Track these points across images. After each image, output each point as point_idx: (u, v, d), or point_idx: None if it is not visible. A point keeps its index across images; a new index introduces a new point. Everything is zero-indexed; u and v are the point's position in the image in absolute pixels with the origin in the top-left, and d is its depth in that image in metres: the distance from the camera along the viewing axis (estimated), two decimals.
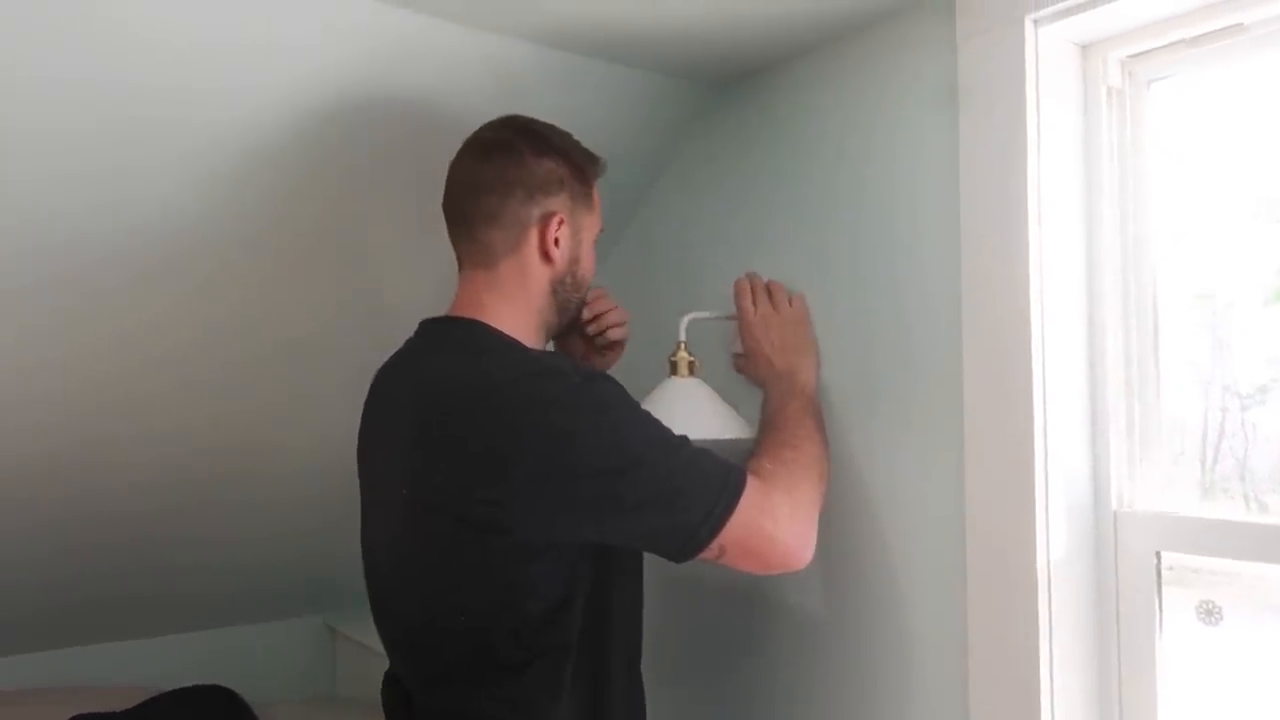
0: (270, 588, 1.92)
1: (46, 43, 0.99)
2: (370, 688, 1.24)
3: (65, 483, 1.47)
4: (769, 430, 1.14)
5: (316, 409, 1.54)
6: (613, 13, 1.15)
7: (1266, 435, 1.03)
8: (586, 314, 1.22)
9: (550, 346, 1.21)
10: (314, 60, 1.13)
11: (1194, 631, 1.05)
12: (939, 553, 1.13)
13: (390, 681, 1.12)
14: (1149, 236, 1.08)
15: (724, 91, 1.42)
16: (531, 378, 0.98)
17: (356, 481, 1.14)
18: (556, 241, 1.09)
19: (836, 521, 1.20)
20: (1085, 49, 1.09)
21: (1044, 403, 1.04)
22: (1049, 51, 1.06)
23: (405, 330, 1.12)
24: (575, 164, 1.11)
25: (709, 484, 0.97)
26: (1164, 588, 1.05)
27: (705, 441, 1.02)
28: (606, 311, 1.23)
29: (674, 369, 1.24)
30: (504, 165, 1.07)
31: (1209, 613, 1.05)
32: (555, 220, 1.08)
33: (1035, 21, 1.04)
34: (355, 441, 1.14)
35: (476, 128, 1.12)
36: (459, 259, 1.12)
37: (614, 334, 1.25)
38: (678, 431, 1.00)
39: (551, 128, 1.12)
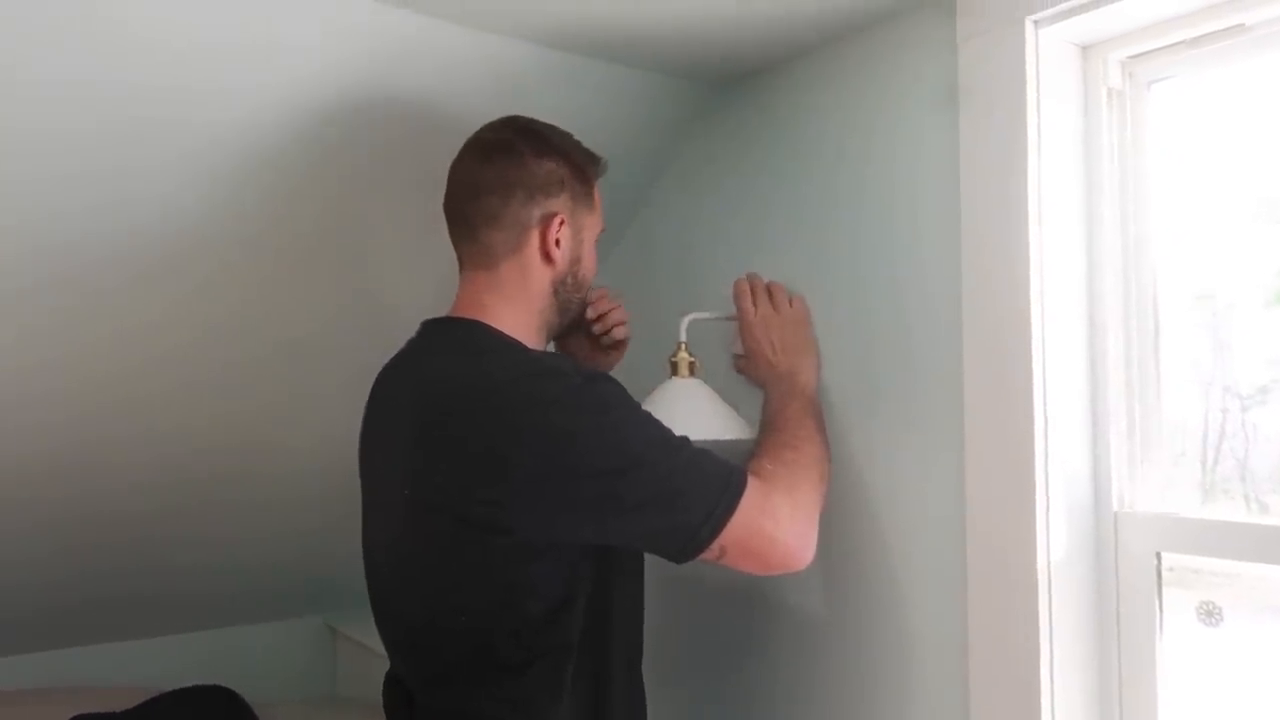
0: (270, 588, 1.92)
1: (46, 43, 0.99)
2: (371, 688, 1.24)
3: (65, 483, 1.47)
4: (769, 431, 1.14)
5: (316, 409, 1.54)
6: (613, 13, 1.15)
7: (1267, 436, 1.03)
8: (591, 313, 1.22)
9: (551, 347, 1.21)
10: (314, 60, 1.13)
11: (1194, 632, 1.05)
12: (939, 553, 1.13)
13: (391, 682, 1.12)
14: (1149, 237, 1.08)
15: (724, 92, 1.42)
16: (532, 378, 0.98)
17: (357, 481, 1.14)
18: (558, 242, 1.09)
19: (837, 522, 1.20)
20: (1086, 50, 1.09)
21: (1044, 403, 1.04)
22: (1049, 52, 1.06)
23: (405, 330, 1.12)
24: (576, 164, 1.11)
25: (710, 484, 0.97)
26: (1164, 588, 1.05)
27: (706, 442, 1.02)
28: (610, 310, 1.23)
29: (674, 369, 1.24)
30: (505, 166, 1.07)
31: (1209, 613, 1.05)
32: (556, 221, 1.08)
33: (1036, 22, 1.04)
34: (355, 441, 1.14)
35: (477, 128, 1.12)
36: (460, 260, 1.12)
37: (618, 333, 1.25)
38: (678, 432, 1.00)
39: (552, 128, 1.12)
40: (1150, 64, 1.07)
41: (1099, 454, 1.09)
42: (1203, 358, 1.08)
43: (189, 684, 1.64)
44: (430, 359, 1.07)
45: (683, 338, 1.26)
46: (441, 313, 1.11)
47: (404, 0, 1.09)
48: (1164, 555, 1.05)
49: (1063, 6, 1.01)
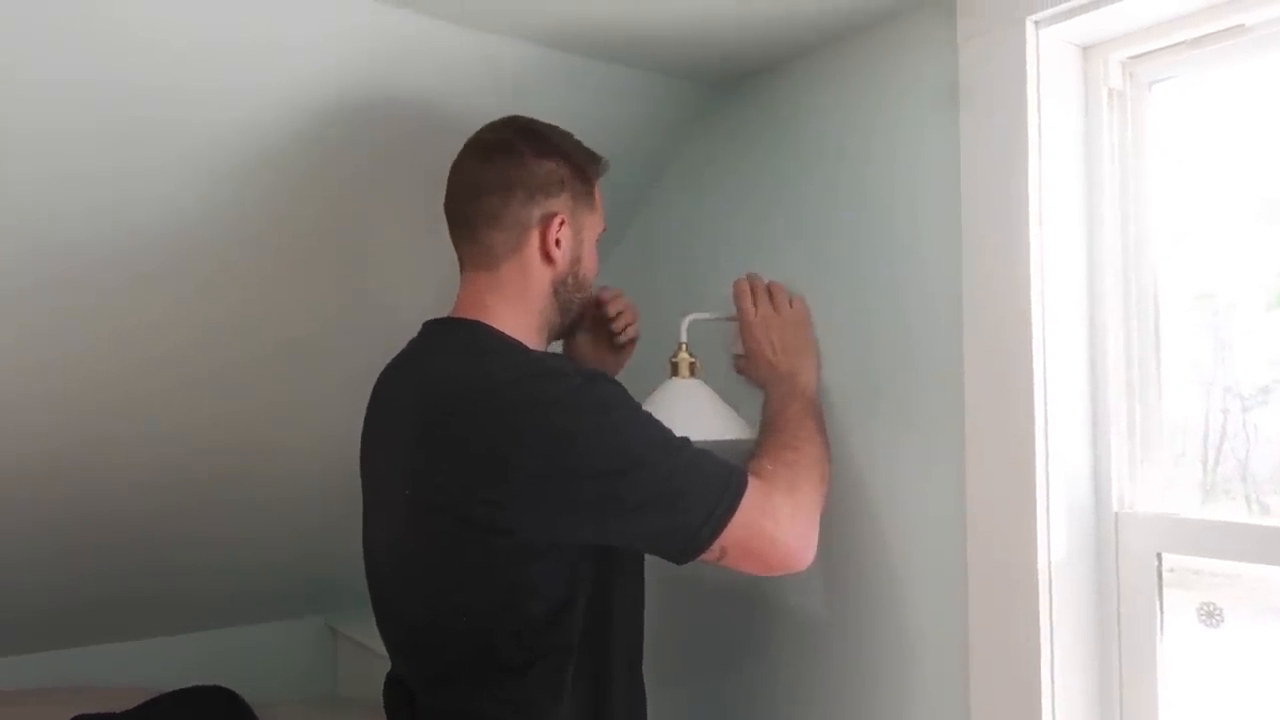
0: (271, 588, 1.92)
1: (46, 43, 0.99)
2: (371, 688, 1.24)
3: (66, 483, 1.47)
4: (770, 432, 1.14)
5: (317, 409, 1.54)
6: (613, 13, 1.15)
7: (1268, 436, 1.03)
8: (610, 310, 1.24)
9: (558, 348, 1.21)
10: (314, 60, 1.13)
11: (1195, 633, 1.05)
12: (939, 553, 1.13)
13: (392, 683, 1.12)
14: (1150, 237, 1.08)
15: (725, 92, 1.42)
16: (533, 379, 0.98)
17: (357, 482, 1.14)
18: (558, 242, 1.09)
19: (837, 522, 1.20)
20: (1086, 50, 1.09)
21: (1045, 403, 1.03)
22: (1050, 53, 1.06)
23: (405, 330, 1.12)
24: (576, 164, 1.11)
25: (710, 485, 0.97)
26: (1165, 589, 1.05)
27: (706, 443, 1.02)
28: (624, 310, 1.25)
29: (675, 370, 1.24)
30: (505, 166, 1.07)
31: (1210, 614, 1.05)
32: (556, 221, 1.08)
33: (1036, 23, 1.04)
34: (356, 442, 1.14)
35: (477, 128, 1.12)
36: (461, 260, 1.12)
37: (630, 332, 1.27)
38: (679, 433, 1.00)
39: (553, 128, 1.12)
40: (1151, 64, 1.07)
41: (1099, 454, 1.08)
42: (1203, 358, 1.08)
43: (189, 684, 1.64)
44: (432, 359, 1.07)
45: (683, 338, 1.26)
46: (442, 313, 1.11)
47: (404, 0, 1.09)
48: (1165, 556, 1.04)
49: (1063, 7, 1.01)
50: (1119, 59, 1.08)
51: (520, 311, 1.09)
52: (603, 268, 1.20)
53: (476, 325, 1.07)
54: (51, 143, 1.07)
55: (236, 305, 1.36)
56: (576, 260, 1.12)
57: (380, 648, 1.13)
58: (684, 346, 1.25)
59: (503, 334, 1.06)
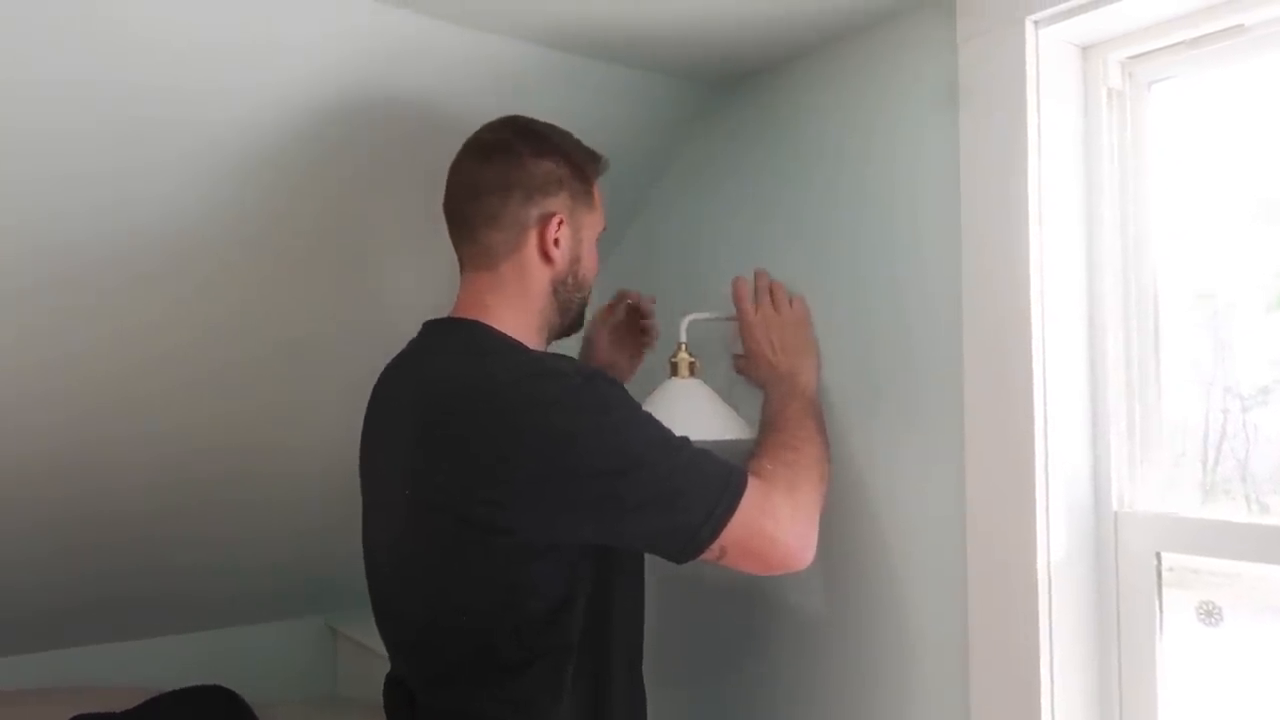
0: (271, 588, 1.91)
1: (46, 43, 0.99)
2: (371, 688, 1.24)
3: (65, 483, 1.47)
4: (770, 431, 1.14)
5: (317, 409, 1.54)
6: (613, 13, 1.15)
7: (1268, 436, 1.03)
8: (648, 321, 1.32)
9: (568, 348, 1.22)
10: (314, 60, 1.13)
11: (1194, 632, 1.05)
12: (939, 553, 1.13)
13: (392, 683, 1.12)
14: (1150, 237, 1.08)
15: (725, 92, 1.42)
16: (533, 379, 0.98)
17: (357, 482, 1.14)
18: (556, 242, 1.09)
19: (837, 522, 1.20)
20: (1085, 50, 1.09)
21: (1044, 403, 1.04)
22: (1049, 53, 1.06)
23: (405, 330, 1.12)
24: (575, 163, 1.11)
25: (710, 485, 0.97)
26: (1164, 588, 1.05)
27: (706, 442, 1.02)
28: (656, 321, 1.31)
29: (674, 370, 1.24)
30: (503, 166, 1.07)
31: (1209, 613, 1.05)
32: (555, 220, 1.08)
33: (1036, 23, 1.04)
34: (356, 442, 1.14)
35: (477, 128, 1.12)
36: (460, 260, 1.12)
37: (653, 344, 1.32)
38: (678, 432, 1.00)
39: (551, 127, 1.12)
40: (1150, 64, 1.07)
41: (1099, 454, 1.09)
42: (1203, 358, 1.08)
43: (189, 684, 1.64)
44: (432, 359, 1.07)
45: (683, 338, 1.26)
46: (442, 313, 1.11)
47: (404, 0, 1.09)
48: (1164, 555, 1.05)
49: (1062, 7, 1.01)
50: (1118, 59, 1.08)
51: (520, 311, 1.09)
52: (602, 268, 1.20)
53: (476, 325, 1.07)
54: (51, 143, 1.07)
55: (236, 305, 1.36)
56: (576, 260, 1.12)
57: (380, 648, 1.13)
58: (684, 346, 1.25)
59: (503, 334, 1.06)
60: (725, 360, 1.34)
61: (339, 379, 1.39)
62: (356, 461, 1.14)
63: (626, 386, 1.03)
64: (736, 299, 1.27)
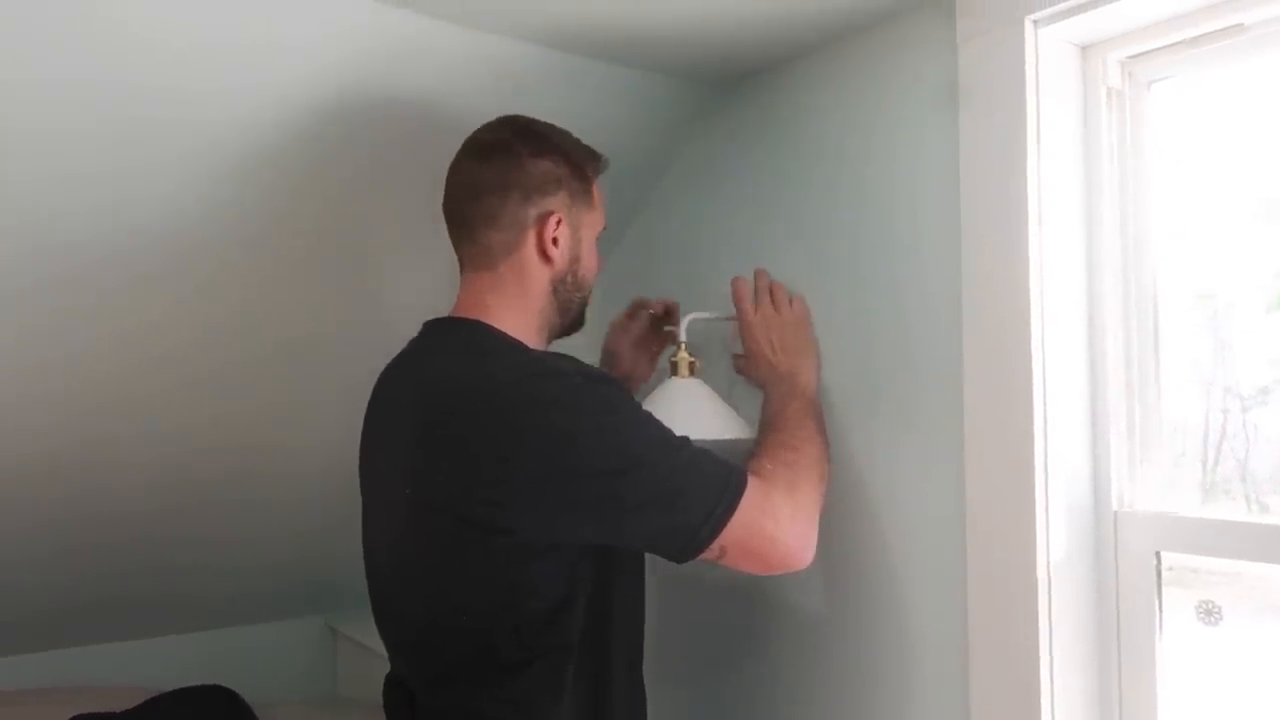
0: (271, 588, 1.92)
1: (46, 43, 0.99)
2: (371, 688, 1.24)
3: (65, 483, 1.47)
4: (769, 431, 1.14)
5: (317, 409, 1.54)
6: (613, 13, 1.15)
7: (1268, 436, 1.03)
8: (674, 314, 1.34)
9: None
10: (314, 60, 1.13)
11: (1194, 632, 1.05)
12: (939, 553, 1.13)
13: (392, 684, 1.12)
14: (1149, 237, 1.08)
15: (725, 92, 1.42)
16: (533, 378, 0.98)
17: (357, 482, 1.14)
18: (555, 241, 1.09)
19: (837, 521, 1.20)
20: (1085, 50, 1.09)
21: (1044, 403, 1.04)
22: (1049, 52, 1.06)
23: (405, 330, 1.12)
24: (574, 162, 1.11)
25: (710, 485, 0.97)
26: (1164, 588, 1.05)
27: (706, 442, 1.02)
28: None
29: (674, 369, 1.24)
30: (502, 166, 1.07)
31: (1209, 613, 1.05)
32: (553, 220, 1.08)
33: (1035, 22, 1.04)
34: (356, 442, 1.14)
35: (477, 128, 1.12)
36: (460, 261, 1.12)
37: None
38: (678, 432, 1.00)
39: (550, 126, 1.12)
40: (1150, 64, 1.07)
41: (1099, 454, 1.09)
42: (1203, 358, 1.08)
43: (189, 684, 1.64)
44: (432, 359, 1.07)
45: (683, 338, 1.26)
46: (442, 313, 1.11)
47: (404, 0, 1.09)
48: (1164, 555, 1.05)
49: (1062, 6, 1.01)
50: (1118, 58, 1.08)
51: (520, 311, 1.09)
52: (603, 268, 1.20)
53: (477, 325, 1.07)
54: (51, 143, 1.07)
55: (236, 305, 1.36)
56: (575, 259, 1.12)
57: (380, 648, 1.13)
58: (683, 346, 1.25)
59: (503, 334, 1.06)
60: (725, 360, 1.34)
61: (339, 379, 1.39)
62: (356, 462, 1.14)
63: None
64: (736, 299, 1.27)
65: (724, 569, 1.01)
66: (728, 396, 1.26)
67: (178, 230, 1.22)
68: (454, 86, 1.23)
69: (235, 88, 1.11)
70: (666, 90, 1.38)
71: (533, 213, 1.08)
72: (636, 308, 1.37)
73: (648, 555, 1.05)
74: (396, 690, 1.11)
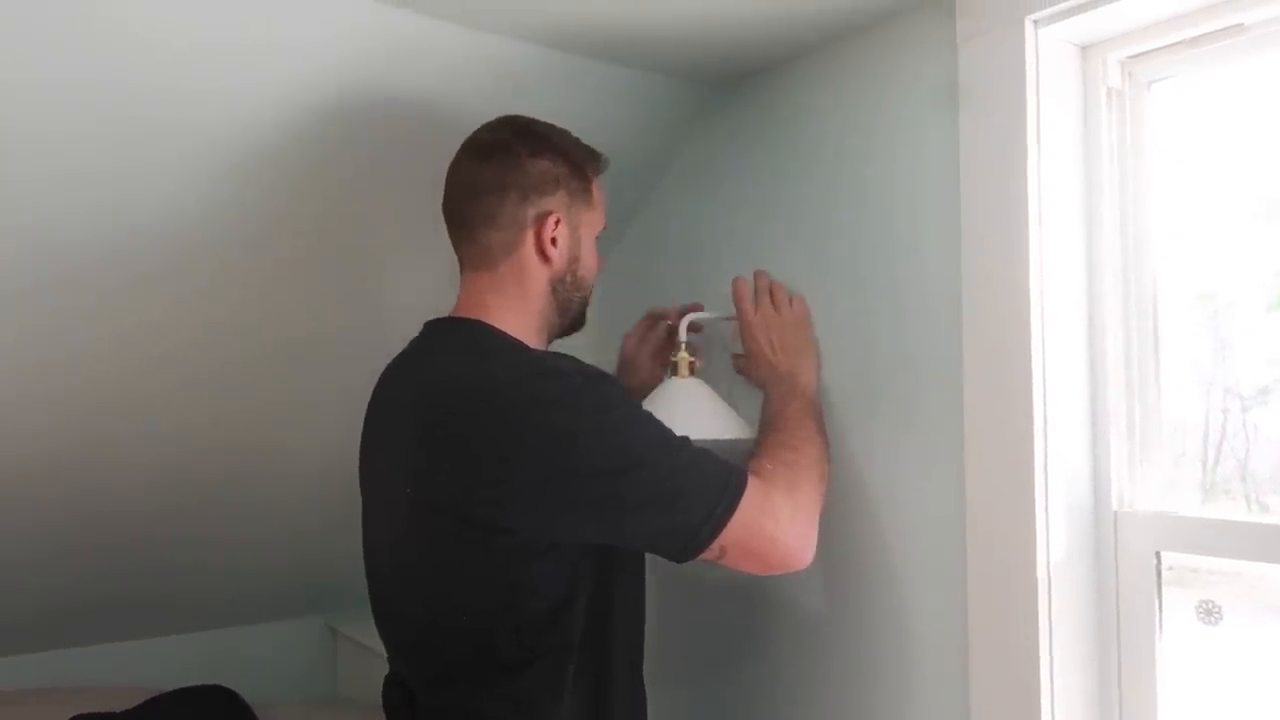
0: (271, 588, 1.91)
1: (46, 43, 0.99)
2: (371, 688, 1.24)
3: (66, 483, 1.47)
4: (769, 431, 1.14)
5: (317, 409, 1.54)
6: (613, 13, 1.15)
7: (1268, 436, 1.03)
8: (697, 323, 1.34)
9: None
10: (314, 60, 1.13)
11: (1194, 631, 1.05)
12: (939, 553, 1.13)
13: (391, 684, 1.12)
14: (1149, 237, 1.08)
15: (725, 92, 1.42)
16: (534, 378, 0.98)
17: (357, 482, 1.14)
18: (554, 240, 1.09)
19: (837, 521, 1.20)
20: (1085, 50, 1.09)
21: (1044, 403, 1.04)
22: (1049, 52, 1.06)
23: (406, 330, 1.12)
24: (573, 162, 1.11)
25: (710, 485, 0.97)
26: (1164, 588, 1.05)
27: (706, 442, 1.02)
28: None
29: (674, 369, 1.24)
30: (500, 166, 1.07)
31: (1209, 613, 1.05)
32: (551, 220, 1.08)
33: (1035, 22, 1.04)
34: (356, 442, 1.14)
35: (476, 128, 1.12)
36: (460, 261, 1.12)
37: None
38: (678, 432, 1.00)
39: (550, 126, 1.12)
40: (1150, 64, 1.07)
41: (1099, 454, 1.09)
42: (1203, 358, 1.08)
43: (189, 684, 1.64)
44: (433, 359, 1.07)
45: (683, 337, 1.26)
46: (443, 313, 1.11)
47: (404, 0, 1.09)
48: (1164, 554, 1.05)
49: (1062, 6, 1.01)
50: (1118, 58, 1.08)
51: (520, 311, 1.09)
52: (603, 268, 1.20)
53: (478, 325, 1.07)
54: (51, 143, 1.07)
55: (236, 305, 1.36)
56: (574, 259, 1.12)
57: (380, 648, 1.13)
58: (683, 346, 1.25)
59: (504, 333, 1.06)
60: (725, 360, 1.34)
61: (339, 379, 1.39)
62: (356, 462, 1.14)
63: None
64: (736, 299, 1.27)
65: (724, 569, 1.01)
66: (728, 396, 1.26)
67: (178, 230, 1.22)
68: (454, 86, 1.23)
69: (235, 88, 1.11)
70: (666, 90, 1.38)
71: (531, 212, 1.08)
72: (653, 318, 1.37)
73: (648, 555, 1.05)
74: (396, 690, 1.11)
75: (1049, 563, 1.03)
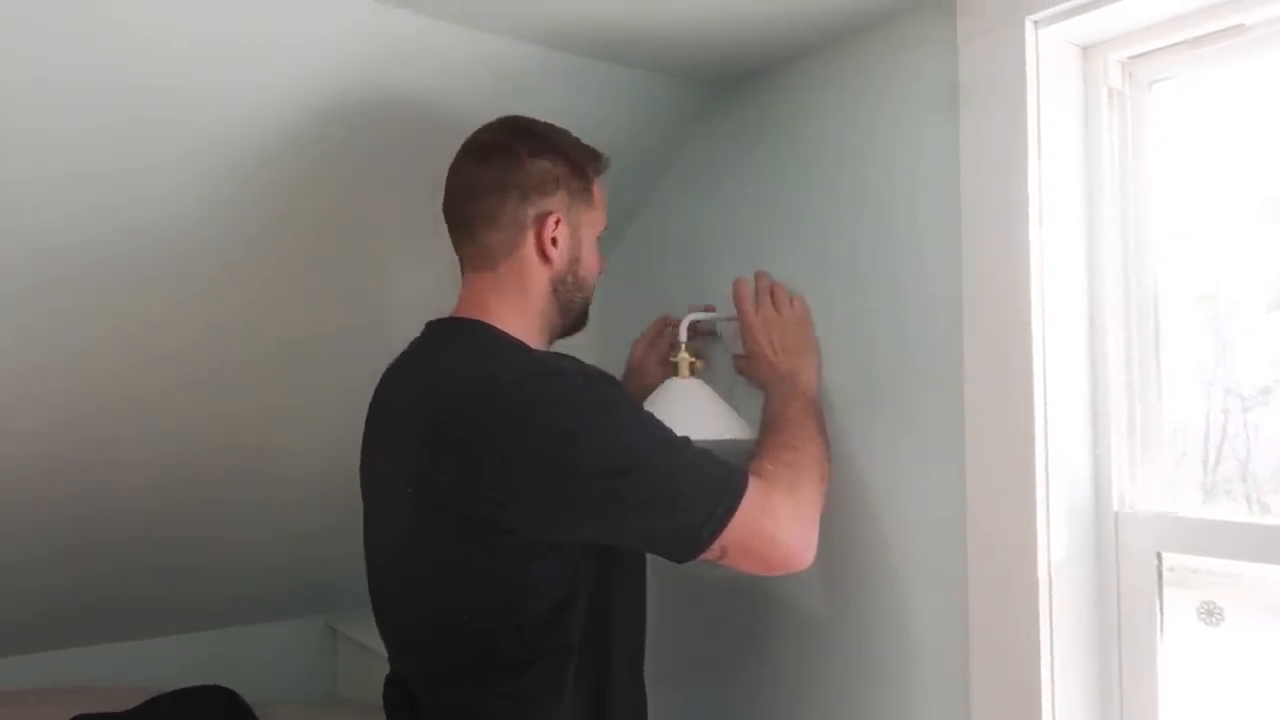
0: (271, 588, 1.91)
1: (46, 43, 0.99)
2: (371, 688, 1.24)
3: (66, 483, 1.47)
4: (770, 431, 1.14)
5: (317, 410, 1.54)
6: (613, 13, 1.15)
7: (1269, 437, 1.03)
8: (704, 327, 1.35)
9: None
10: (314, 60, 1.13)
11: (1195, 632, 1.05)
12: (940, 553, 1.13)
13: (392, 684, 1.12)
14: (1150, 237, 1.08)
15: (725, 92, 1.42)
16: (536, 378, 0.98)
17: (358, 483, 1.14)
18: (554, 241, 1.09)
19: (837, 522, 1.20)
20: (1086, 50, 1.09)
21: (1045, 403, 1.04)
22: (1050, 53, 1.06)
23: (407, 331, 1.12)
24: (574, 162, 1.11)
25: (710, 485, 0.97)
26: (1165, 588, 1.05)
27: (706, 442, 1.02)
28: None
29: (675, 370, 1.24)
30: (500, 166, 1.07)
31: (1210, 613, 1.05)
32: (551, 220, 1.08)
33: (1036, 23, 1.04)
34: (357, 443, 1.14)
35: (477, 128, 1.12)
36: (461, 261, 1.12)
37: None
38: (679, 432, 1.00)
39: (550, 126, 1.12)
40: (1151, 64, 1.07)
41: (1099, 454, 1.09)
42: (1204, 358, 1.08)
43: (189, 684, 1.64)
44: (435, 359, 1.07)
45: (683, 338, 1.26)
46: (444, 313, 1.11)
47: (404, 0, 1.09)
48: (1165, 555, 1.05)
49: (1063, 6, 1.01)
50: (1119, 59, 1.08)
51: (521, 312, 1.09)
52: (604, 268, 1.20)
53: (479, 325, 1.07)
54: (51, 143, 1.07)
55: (237, 305, 1.36)
56: (575, 259, 1.12)
57: (380, 648, 1.13)
58: (684, 346, 1.25)
59: (505, 334, 1.06)
60: (725, 360, 1.34)
61: (340, 379, 1.39)
62: (357, 462, 1.14)
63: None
64: (737, 299, 1.27)
65: (724, 569, 1.01)
66: (728, 396, 1.26)
67: (178, 231, 1.22)
68: (454, 86, 1.23)
69: (235, 88, 1.11)
70: (666, 90, 1.38)
71: (531, 212, 1.08)
72: (662, 323, 1.37)
73: (649, 555, 1.05)
74: (396, 690, 1.11)
75: (1050, 563, 1.03)
